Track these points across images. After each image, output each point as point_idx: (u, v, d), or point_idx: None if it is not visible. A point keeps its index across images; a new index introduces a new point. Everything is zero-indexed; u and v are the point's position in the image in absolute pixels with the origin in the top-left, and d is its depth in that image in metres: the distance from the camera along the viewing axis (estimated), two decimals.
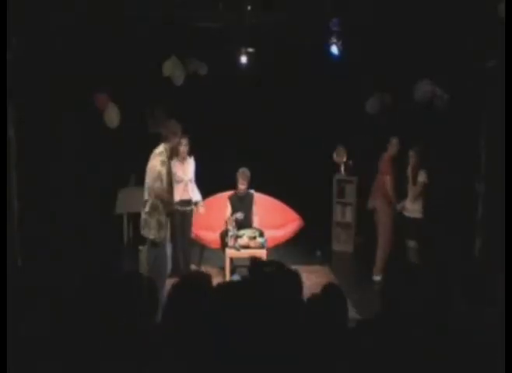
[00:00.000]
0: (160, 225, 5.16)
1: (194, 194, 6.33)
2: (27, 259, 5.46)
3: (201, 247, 7.02)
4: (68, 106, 6.31)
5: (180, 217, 6.20)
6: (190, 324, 2.45)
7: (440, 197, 5.92)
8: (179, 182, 6.11)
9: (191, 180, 6.29)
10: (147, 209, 5.14)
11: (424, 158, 5.91)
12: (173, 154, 5.49)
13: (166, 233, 5.51)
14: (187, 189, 6.23)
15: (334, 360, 2.50)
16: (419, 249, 5.93)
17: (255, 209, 6.66)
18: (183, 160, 6.21)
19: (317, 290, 2.88)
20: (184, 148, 6.11)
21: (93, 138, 6.96)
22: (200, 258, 7.01)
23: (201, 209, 6.31)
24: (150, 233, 5.17)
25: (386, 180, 6.19)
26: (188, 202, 6.27)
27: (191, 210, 6.34)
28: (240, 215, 6.30)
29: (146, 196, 5.20)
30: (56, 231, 5.99)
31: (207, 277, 2.72)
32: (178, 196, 6.08)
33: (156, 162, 5.13)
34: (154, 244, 5.23)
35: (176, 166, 6.11)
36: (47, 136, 5.99)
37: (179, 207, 6.11)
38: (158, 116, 8.61)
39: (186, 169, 6.24)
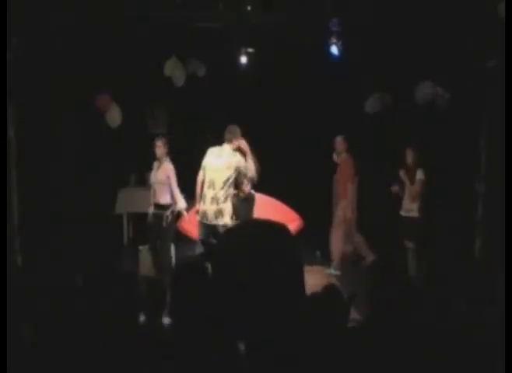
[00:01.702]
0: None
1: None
2: (27, 259, 5.46)
3: None
4: (68, 106, 6.31)
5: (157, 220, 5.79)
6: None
7: (440, 197, 5.92)
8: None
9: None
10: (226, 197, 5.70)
11: (421, 156, 5.91)
12: None
13: None
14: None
15: (335, 360, 2.50)
16: (418, 249, 5.93)
17: (254, 212, 6.65)
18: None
19: (317, 290, 2.88)
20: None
21: (93, 138, 6.97)
22: None
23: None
24: (226, 220, 5.67)
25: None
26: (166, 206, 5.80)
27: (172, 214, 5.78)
28: None
29: (229, 188, 5.70)
30: (56, 231, 5.99)
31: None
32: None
33: (239, 157, 5.69)
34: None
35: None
36: (47, 136, 5.99)
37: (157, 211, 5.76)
38: (158, 116, 8.65)
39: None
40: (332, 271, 6.81)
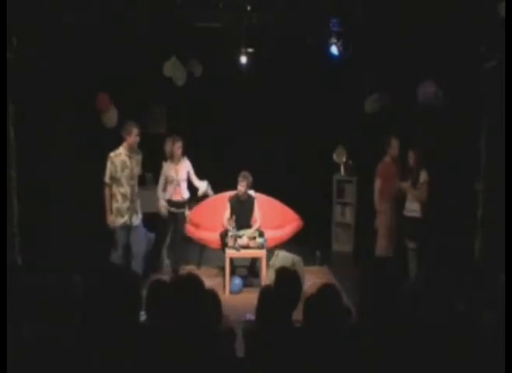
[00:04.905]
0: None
1: (186, 193, 6.49)
2: (27, 259, 5.45)
3: (201, 247, 7.03)
4: (68, 106, 6.31)
5: (171, 216, 6.40)
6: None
7: (440, 197, 5.92)
8: (171, 182, 6.34)
9: (184, 180, 6.38)
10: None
11: (424, 158, 5.91)
12: (131, 151, 5.74)
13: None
14: (179, 189, 6.32)
15: (334, 360, 2.50)
16: (419, 249, 5.93)
17: (256, 214, 6.65)
18: (178, 161, 6.30)
19: (314, 291, 2.89)
20: (178, 150, 6.27)
21: (93, 138, 6.96)
22: (200, 258, 7.01)
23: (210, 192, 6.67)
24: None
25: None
26: (180, 203, 6.40)
27: (183, 213, 6.42)
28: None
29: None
30: (56, 231, 5.99)
31: (197, 280, 2.75)
32: (168, 196, 6.35)
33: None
34: None
35: (169, 168, 6.33)
36: (47, 136, 5.99)
37: (170, 208, 6.36)
38: (158, 116, 8.65)
39: (179, 170, 6.33)
40: None
